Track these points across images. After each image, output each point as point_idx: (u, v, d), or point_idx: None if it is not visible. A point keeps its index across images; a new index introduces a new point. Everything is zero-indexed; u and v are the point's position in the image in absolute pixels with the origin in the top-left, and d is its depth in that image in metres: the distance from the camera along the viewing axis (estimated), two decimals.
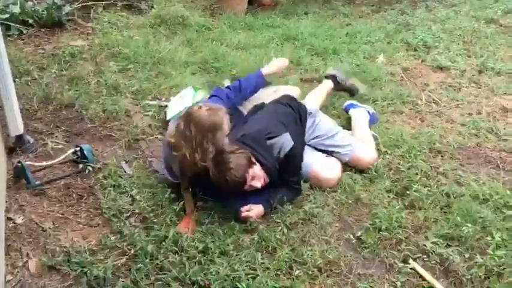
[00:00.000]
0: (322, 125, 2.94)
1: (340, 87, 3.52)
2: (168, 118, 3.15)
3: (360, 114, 3.22)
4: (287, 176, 2.62)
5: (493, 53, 4.39)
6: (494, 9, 5.28)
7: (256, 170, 2.48)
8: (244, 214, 2.48)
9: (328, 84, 3.47)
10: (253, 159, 2.48)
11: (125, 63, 4.01)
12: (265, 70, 3.24)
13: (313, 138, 2.89)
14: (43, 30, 4.54)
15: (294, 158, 2.62)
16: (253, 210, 2.50)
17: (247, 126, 2.73)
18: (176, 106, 3.18)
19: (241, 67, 3.95)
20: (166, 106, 3.36)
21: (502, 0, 5.53)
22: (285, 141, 2.58)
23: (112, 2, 5.05)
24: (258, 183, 2.49)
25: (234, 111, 2.91)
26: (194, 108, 2.57)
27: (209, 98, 2.98)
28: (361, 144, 2.93)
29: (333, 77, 3.49)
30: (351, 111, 3.25)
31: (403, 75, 4.07)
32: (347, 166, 2.89)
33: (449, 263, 2.30)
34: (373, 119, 3.28)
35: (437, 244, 2.39)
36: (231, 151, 2.43)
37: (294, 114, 2.83)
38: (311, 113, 2.95)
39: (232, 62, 4.07)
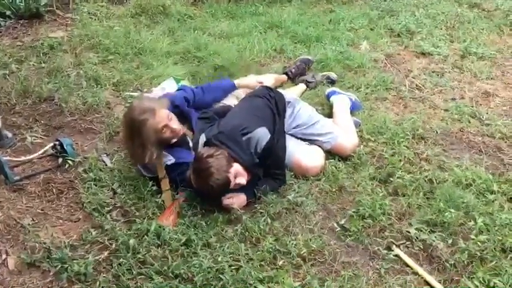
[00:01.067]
0: (302, 113, 2.91)
1: (314, 86, 3.57)
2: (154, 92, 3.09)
3: (341, 100, 3.21)
4: (271, 168, 2.61)
5: (476, 37, 4.39)
6: None
7: (237, 167, 2.45)
8: (225, 201, 2.47)
9: (301, 87, 3.52)
10: (232, 158, 2.46)
11: (105, 54, 3.95)
12: (238, 81, 3.18)
13: (294, 128, 2.87)
14: (21, 22, 4.45)
15: (273, 150, 2.59)
16: (235, 198, 2.49)
17: (223, 122, 2.69)
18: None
19: (224, 56, 3.91)
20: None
21: None
22: (261, 136, 2.54)
23: None
24: (243, 180, 2.47)
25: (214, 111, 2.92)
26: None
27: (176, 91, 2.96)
28: (342, 132, 2.92)
29: (304, 82, 3.58)
30: (332, 98, 3.24)
31: (386, 61, 4.05)
32: (330, 154, 2.88)
33: (432, 248, 2.30)
34: (356, 106, 3.27)
35: (421, 230, 2.40)
36: (208, 155, 2.40)
37: (270, 105, 2.79)
38: (290, 102, 2.92)
39: (215, 51, 4.02)
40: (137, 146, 2.51)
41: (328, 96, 3.31)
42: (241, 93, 3.10)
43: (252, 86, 3.11)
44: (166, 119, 2.55)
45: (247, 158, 2.50)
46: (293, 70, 3.66)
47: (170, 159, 2.60)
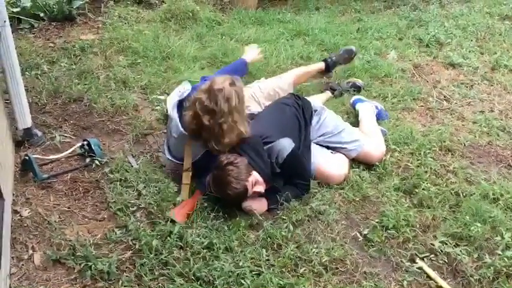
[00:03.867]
0: (328, 122, 2.90)
1: (339, 94, 3.56)
2: (168, 112, 3.11)
3: (367, 108, 3.19)
4: (294, 178, 2.61)
5: (507, 49, 4.32)
6: (509, 5, 5.18)
7: (256, 175, 2.47)
8: (244, 204, 2.48)
9: (326, 94, 3.54)
10: (251, 166, 2.47)
11: (134, 58, 4.00)
12: (248, 58, 3.25)
13: (320, 136, 2.86)
14: (54, 24, 4.55)
15: (296, 161, 2.59)
16: (256, 202, 2.50)
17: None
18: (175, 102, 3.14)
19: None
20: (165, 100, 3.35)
21: None
22: (283, 146, 2.54)
23: None
24: (261, 188, 2.49)
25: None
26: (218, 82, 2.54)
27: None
28: (369, 139, 2.90)
29: (329, 88, 3.58)
30: (358, 106, 3.23)
31: (414, 71, 4.01)
32: (355, 163, 2.86)
33: (457, 262, 2.27)
34: (382, 115, 3.24)
35: (446, 243, 2.36)
36: (228, 163, 2.41)
37: (297, 114, 2.80)
38: (316, 110, 2.92)
39: None
40: None
41: (353, 104, 3.30)
42: (262, 99, 3.10)
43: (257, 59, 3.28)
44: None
45: (267, 168, 2.51)
46: (334, 58, 3.60)
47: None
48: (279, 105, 2.89)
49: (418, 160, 2.90)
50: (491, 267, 2.21)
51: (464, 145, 3.09)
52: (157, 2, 5.11)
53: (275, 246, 2.32)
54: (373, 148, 2.88)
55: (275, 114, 2.82)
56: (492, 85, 3.82)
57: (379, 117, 3.21)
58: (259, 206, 2.51)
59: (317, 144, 2.85)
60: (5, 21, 2.55)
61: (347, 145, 2.85)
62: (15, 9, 4.42)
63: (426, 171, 2.81)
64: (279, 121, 2.74)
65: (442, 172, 2.84)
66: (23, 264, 2.13)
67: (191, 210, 2.46)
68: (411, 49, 4.35)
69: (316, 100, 3.17)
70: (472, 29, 4.67)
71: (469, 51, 4.29)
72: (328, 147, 2.87)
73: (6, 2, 4.24)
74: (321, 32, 4.62)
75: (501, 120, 3.36)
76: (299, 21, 4.86)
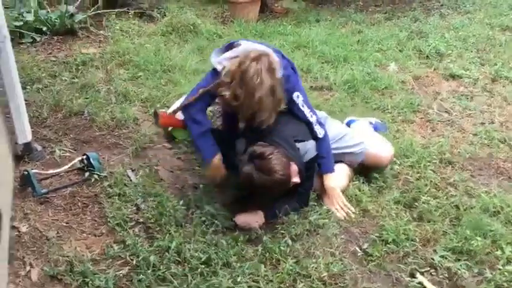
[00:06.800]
0: (331, 130, 2.90)
1: None
2: (169, 111, 3.09)
3: (362, 124, 3.18)
4: (301, 184, 2.57)
5: (507, 61, 4.33)
6: (510, 17, 5.22)
7: (294, 167, 2.45)
8: (239, 221, 2.47)
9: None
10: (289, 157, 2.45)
11: (135, 71, 4.03)
12: None
13: None
14: (56, 37, 4.60)
15: (313, 166, 2.60)
16: (253, 216, 2.50)
17: (268, 132, 2.71)
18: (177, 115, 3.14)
19: None
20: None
21: None
22: (311, 147, 2.56)
23: (124, 10, 5.10)
24: (297, 179, 2.47)
25: None
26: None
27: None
28: (374, 141, 2.89)
29: None
30: (353, 125, 3.21)
31: (414, 83, 4.01)
32: (355, 174, 2.84)
33: (457, 277, 2.24)
34: (378, 128, 3.23)
35: (446, 258, 2.34)
36: (270, 153, 2.38)
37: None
38: (321, 118, 2.92)
39: None
40: None
41: (347, 124, 3.28)
42: None
43: None
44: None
45: (301, 161, 2.51)
46: None
47: None
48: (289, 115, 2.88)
49: (418, 173, 2.89)
50: (492, 282, 2.18)
51: (465, 157, 3.07)
52: (158, 15, 5.17)
53: (273, 261, 2.30)
54: (381, 150, 2.85)
55: (293, 119, 2.82)
56: (493, 96, 3.81)
57: (376, 130, 3.20)
58: (255, 220, 2.49)
59: None
60: (5, 37, 2.57)
61: (351, 149, 2.82)
62: (17, 23, 4.48)
63: (426, 184, 2.80)
64: (300, 124, 2.74)
65: (442, 185, 2.82)
66: (20, 281, 2.12)
67: (175, 125, 2.63)
68: (411, 61, 4.37)
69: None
70: (472, 40, 4.69)
71: (470, 63, 4.30)
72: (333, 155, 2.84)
73: (9, 16, 4.32)
74: (322, 44, 4.64)
75: (502, 132, 3.35)
76: (300, 34, 4.89)
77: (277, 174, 2.34)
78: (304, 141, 2.58)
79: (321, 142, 2.65)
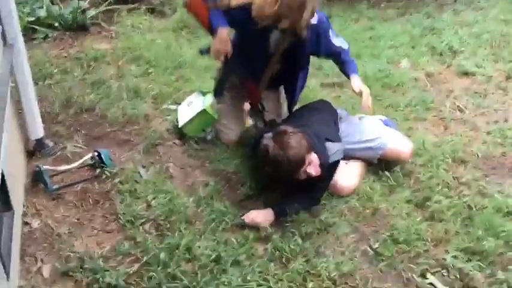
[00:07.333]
0: (349, 126, 2.90)
1: None
2: (180, 126, 3.11)
3: (373, 120, 3.15)
4: (320, 182, 2.56)
5: None
6: None
7: (314, 157, 2.42)
8: (247, 219, 2.47)
9: None
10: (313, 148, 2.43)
11: (146, 67, 4.03)
12: None
13: (343, 138, 2.82)
14: (68, 33, 4.61)
15: (335, 168, 2.60)
16: (262, 213, 2.49)
17: (302, 118, 2.71)
18: (186, 113, 3.14)
19: None
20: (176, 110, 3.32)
21: None
22: (339, 149, 2.56)
23: (136, 5, 5.10)
24: (313, 171, 2.42)
25: None
26: None
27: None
28: (392, 136, 2.87)
29: None
30: (364, 121, 3.17)
31: (427, 80, 3.97)
32: (367, 172, 2.82)
33: (469, 278, 2.22)
34: (388, 124, 3.18)
35: (458, 258, 2.32)
36: (293, 132, 2.37)
37: (333, 123, 2.82)
38: (341, 117, 2.91)
39: None
40: None
41: None
42: (285, 108, 3.09)
43: None
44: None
45: (326, 158, 2.49)
46: None
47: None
48: (320, 110, 2.88)
49: (430, 172, 2.86)
50: (504, 284, 2.16)
51: (478, 156, 3.04)
52: (170, 11, 5.15)
53: (283, 259, 2.29)
54: (399, 143, 2.84)
55: (328, 117, 2.82)
56: (507, 94, 3.75)
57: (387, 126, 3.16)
58: (264, 218, 2.48)
59: None
60: (17, 33, 2.58)
61: (370, 144, 2.81)
62: (30, 19, 4.50)
63: (438, 184, 2.77)
64: (333, 125, 2.77)
65: (455, 184, 2.79)
66: (31, 277, 2.14)
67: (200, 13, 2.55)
68: (424, 57, 4.31)
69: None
70: (486, 37, 4.60)
71: (483, 60, 4.23)
72: (345, 155, 2.82)
73: (22, 12, 4.35)
74: None
75: None
76: None
77: (291, 151, 2.30)
78: (333, 141, 2.57)
79: (348, 51, 2.87)
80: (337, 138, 2.66)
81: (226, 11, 2.61)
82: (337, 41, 2.82)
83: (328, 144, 2.55)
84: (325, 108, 2.91)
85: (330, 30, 2.76)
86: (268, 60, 2.76)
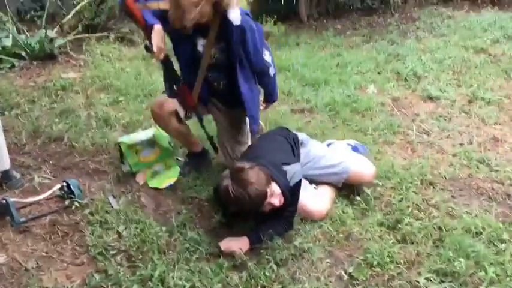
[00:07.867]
0: (313, 150, 2.92)
1: None
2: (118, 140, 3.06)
3: (340, 145, 3.21)
4: (288, 205, 2.56)
5: (483, 82, 4.42)
6: (483, 39, 5.34)
7: (275, 187, 2.42)
8: (223, 247, 2.45)
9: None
10: (272, 178, 2.43)
11: (116, 96, 4.01)
12: None
13: (306, 163, 2.85)
14: (35, 62, 4.57)
15: (299, 189, 2.59)
16: (238, 241, 2.47)
17: (256, 150, 2.71)
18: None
19: None
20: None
21: (491, 29, 5.62)
22: (297, 170, 2.56)
23: (105, 34, 5.09)
24: (276, 201, 2.42)
25: None
26: None
27: None
28: (354, 159, 2.92)
29: None
30: (331, 147, 3.23)
31: (393, 105, 4.07)
32: (339, 197, 2.85)
33: None
34: (357, 150, 3.24)
35: (431, 280, 2.34)
36: (250, 167, 2.37)
37: (292, 146, 2.83)
38: (303, 142, 2.94)
39: None
40: None
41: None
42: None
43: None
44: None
45: (286, 184, 2.49)
46: None
47: None
48: (275, 135, 2.89)
49: (400, 194, 2.91)
50: None
51: (445, 178, 3.11)
52: (139, 39, 5.17)
53: (259, 287, 2.28)
54: (362, 166, 2.89)
55: (277, 143, 2.82)
56: (470, 117, 3.89)
57: (356, 152, 3.22)
58: (239, 246, 2.47)
59: (304, 177, 2.84)
60: None
61: (334, 169, 2.85)
62: None
63: (408, 206, 2.81)
64: (286, 148, 2.77)
65: (424, 206, 2.84)
66: None
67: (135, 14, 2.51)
68: (390, 83, 4.44)
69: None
70: (448, 62, 4.79)
71: (447, 84, 4.38)
72: (315, 176, 2.85)
73: None
74: (302, 67, 4.70)
75: (480, 152, 3.40)
76: (280, 57, 4.94)
77: (251, 188, 2.30)
78: (290, 164, 2.58)
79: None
80: (293, 160, 2.67)
81: (157, 14, 2.60)
82: (268, 58, 2.85)
83: (286, 168, 2.56)
84: (279, 134, 2.92)
85: (259, 38, 2.72)
86: (199, 63, 2.74)
